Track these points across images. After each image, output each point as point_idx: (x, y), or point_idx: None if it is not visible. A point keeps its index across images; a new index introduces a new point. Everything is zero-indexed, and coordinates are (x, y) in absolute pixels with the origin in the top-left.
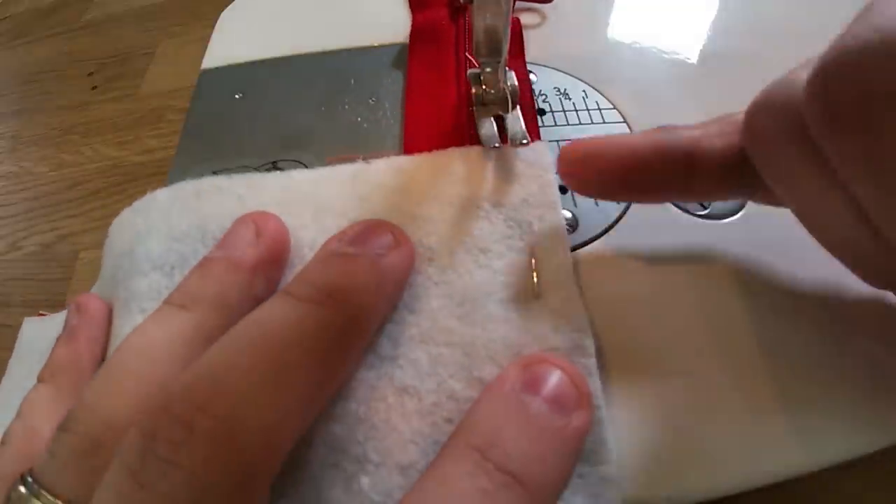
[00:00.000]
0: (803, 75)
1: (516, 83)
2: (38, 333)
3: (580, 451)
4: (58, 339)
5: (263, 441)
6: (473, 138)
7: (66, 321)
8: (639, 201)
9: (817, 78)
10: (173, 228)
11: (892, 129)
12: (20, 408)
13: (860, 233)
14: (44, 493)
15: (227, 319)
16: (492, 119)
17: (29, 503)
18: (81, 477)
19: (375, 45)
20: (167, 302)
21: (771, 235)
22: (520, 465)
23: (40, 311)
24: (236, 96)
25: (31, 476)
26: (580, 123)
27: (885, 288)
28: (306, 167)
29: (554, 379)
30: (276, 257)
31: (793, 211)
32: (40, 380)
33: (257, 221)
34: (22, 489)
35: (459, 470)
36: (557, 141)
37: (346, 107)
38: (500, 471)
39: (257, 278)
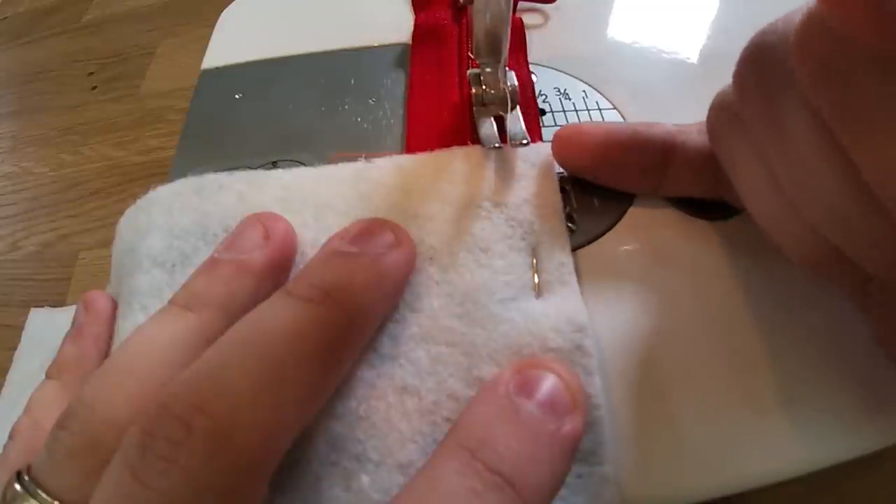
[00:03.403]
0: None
1: (516, 83)
2: (45, 325)
3: (573, 454)
4: (66, 336)
5: (261, 440)
6: (475, 138)
7: (74, 318)
8: (619, 186)
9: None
10: (174, 225)
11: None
12: (28, 403)
13: (785, 213)
14: (40, 492)
15: (231, 322)
16: (492, 119)
17: (25, 502)
18: (79, 476)
19: (375, 45)
20: (172, 302)
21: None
22: (510, 467)
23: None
24: (236, 96)
25: (28, 474)
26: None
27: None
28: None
29: (548, 383)
30: (283, 261)
31: (744, 203)
32: (48, 376)
33: (265, 223)
34: (17, 487)
35: (449, 469)
36: None
37: (346, 107)
38: (490, 471)
39: (264, 282)
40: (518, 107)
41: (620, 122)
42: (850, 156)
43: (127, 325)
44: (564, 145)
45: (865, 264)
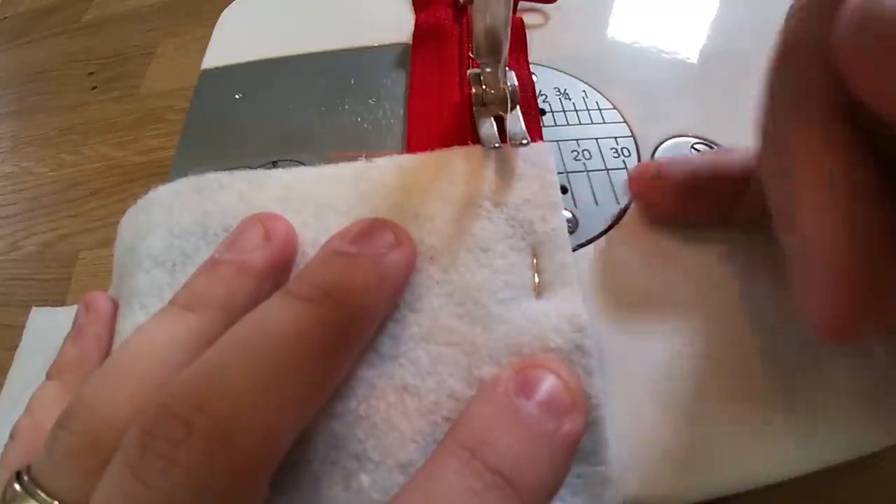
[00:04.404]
0: None
1: (516, 83)
2: (46, 324)
3: (573, 454)
4: (66, 337)
5: (261, 440)
6: (476, 138)
7: (75, 319)
8: (698, 221)
9: None
10: (175, 225)
11: None
12: (28, 404)
13: None
14: (40, 492)
15: (232, 323)
16: (492, 119)
17: (24, 502)
18: (78, 476)
19: (376, 45)
20: (172, 302)
21: (772, 236)
22: (510, 466)
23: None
24: (236, 96)
25: (28, 474)
26: (580, 123)
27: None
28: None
29: (547, 383)
30: (284, 261)
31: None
32: (49, 377)
33: (266, 223)
34: (17, 487)
35: (449, 469)
36: (558, 141)
37: (346, 107)
38: (490, 471)
39: (264, 282)
40: (518, 107)
41: (697, 158)
42: None
43: (127, 325)
44: (646, 191)
45: None
